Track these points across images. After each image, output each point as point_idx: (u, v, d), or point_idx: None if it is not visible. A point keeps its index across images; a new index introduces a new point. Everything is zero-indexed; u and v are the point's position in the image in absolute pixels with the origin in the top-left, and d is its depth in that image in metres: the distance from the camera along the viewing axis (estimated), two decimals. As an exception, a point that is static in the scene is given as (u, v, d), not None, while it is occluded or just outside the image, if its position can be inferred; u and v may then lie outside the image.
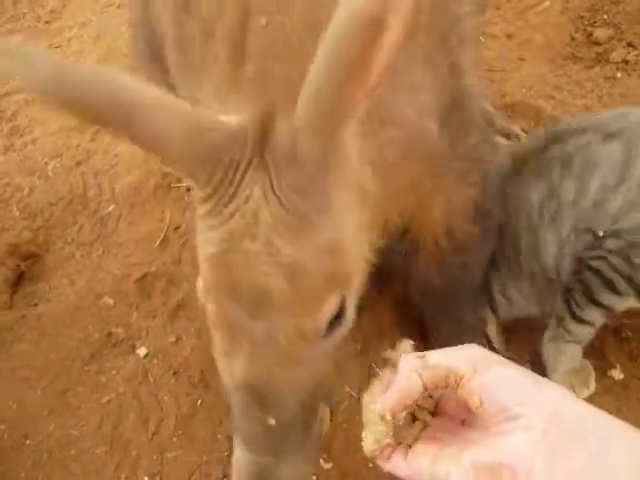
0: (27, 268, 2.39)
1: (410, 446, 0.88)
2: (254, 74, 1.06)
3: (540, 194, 1.62)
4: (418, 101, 1.24)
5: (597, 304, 1.55)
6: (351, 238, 1.03)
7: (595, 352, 1.79)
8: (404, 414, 0.88)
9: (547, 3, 2.84)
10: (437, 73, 1.27)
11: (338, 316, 1.02)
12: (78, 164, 2.68)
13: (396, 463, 0.88)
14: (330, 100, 0.82)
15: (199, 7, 1.22)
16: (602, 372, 1.78)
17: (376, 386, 0.94)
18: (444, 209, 1.51)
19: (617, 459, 0.70)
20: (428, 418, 0.90)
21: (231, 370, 1.00)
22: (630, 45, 2.60)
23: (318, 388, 1.08)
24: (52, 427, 1.96)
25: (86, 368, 2.07)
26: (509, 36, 2.76)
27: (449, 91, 1.32)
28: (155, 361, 2.04)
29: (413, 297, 1.86)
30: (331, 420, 1.83)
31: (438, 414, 0.92)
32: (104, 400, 1.99)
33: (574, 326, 1.62)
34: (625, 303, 1.56)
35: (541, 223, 1.61)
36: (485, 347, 0.87)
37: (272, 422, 1.00)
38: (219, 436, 1.87)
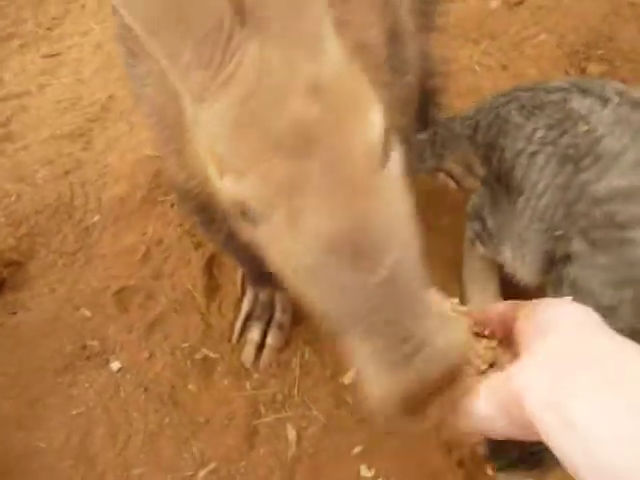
0: (9, 276, 2.39)
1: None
2: None
3: None
4: (364, 15, 1.24)
5: None
6: (355, 69, 0.97)
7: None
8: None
9: (543, 36, 2.85)
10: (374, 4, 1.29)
11: (386, 140, 0.93)
12: (67, 173, 2.68)
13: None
14: None
15: None
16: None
17: None
18: None
19: (635, 389, 0.63)
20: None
21: (309, 233, 0.85)
22: (623, 81, 2.60)
23: (407, 220, 0.91)
24: (19, 438, 1.95)
25: (58, 379, 2.07)
26: (504, 67, 2.77)
27: (388, 20, 1.34)
28: (128, 376, 2.04)
29: None
30: (297, 445, 1.83)
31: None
32: (74, 413, 1.99)
33: None
34: None
35: None
36: None
37: (384, 272, 0.81)
38: (185, 455, 1.86)
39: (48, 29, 3.44)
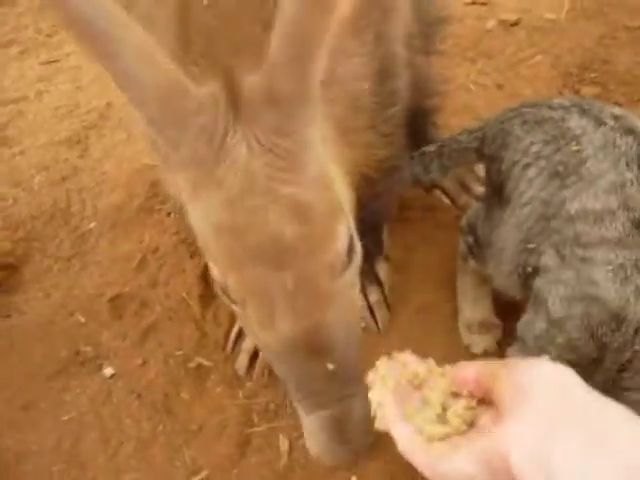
0: (4, 279, 2.39)
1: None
2: (203, 50, 1.11)
3: None
4: (351, 64, 1.31)
5: None
6: (331, 170, 1.08)
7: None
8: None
9: (539, 57, 2.90)
10: (364, 41, 1.35)
11: (350, 245, 1.06)
12: (64, 179, 2.69)
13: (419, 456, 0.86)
14: (305, 27, 0.88)
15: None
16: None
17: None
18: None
19: (620, 452, 0.67)
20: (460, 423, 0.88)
21: (275, 334, 1.01)
22: (617, 104, 2.64)
23: (355, 320, 1.11)
24: (11, 441, 1.95)
25: (51, 384, 2.07)
26: (499, 87, 2.81)
27: (377, 58, 1.41)
28: (120, 383, 2.05)
29: None
30: (289, 455, 1.84)
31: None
32: (65, 418, 1.99)
33: None
34: None
35: None
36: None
37: (331, 366, 1.02)
38: (177, 462, 1.86)
39: (47, 36, 3.47)
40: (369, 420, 0.94)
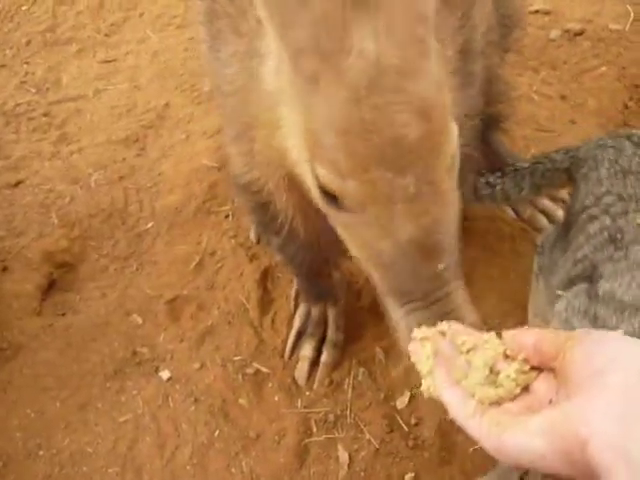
0: (59, 277, 2.39)
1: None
2: None
3: None
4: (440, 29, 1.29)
5: None
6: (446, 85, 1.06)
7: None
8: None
9: (603, 68, 2.83)
10: (452, 16, 1.36)
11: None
12: (121, 178, 2.68)
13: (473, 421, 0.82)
14: None
15: None
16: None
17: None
18: None
19: None
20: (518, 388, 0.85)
21: (393, 239, 0.99)
22: (686, 116, 2.58)
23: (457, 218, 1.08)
24: (67, 441, 1.94)
25: (107, 385, 2.06)
26: (563, 97, 2.75)
27: (462, 35, 1.41)
28: (177, 386, 2.03)
29: None
30: (348, 467, 1.80)
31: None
32: (122, 419, 1.98)
33: None
34: None
35: None
36: None
37: (441, 266, 1.01)
38: (233, 470, 1.84)
39: (106, 35, 3.46)
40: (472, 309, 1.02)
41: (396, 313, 1.06)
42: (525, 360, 0.85)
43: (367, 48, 0.91)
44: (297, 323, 2.11)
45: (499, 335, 0.90)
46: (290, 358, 2.05)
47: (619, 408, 0.67)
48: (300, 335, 2.10)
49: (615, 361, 0.72)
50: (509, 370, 0.84)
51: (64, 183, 2.70)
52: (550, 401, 0.81)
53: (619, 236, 1.47)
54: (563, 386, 0.78)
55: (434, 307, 1.02)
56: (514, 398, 0.83)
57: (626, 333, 1.29)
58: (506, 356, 0.87)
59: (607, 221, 1.51)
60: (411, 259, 1.00)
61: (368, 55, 0.91)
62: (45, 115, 3.04)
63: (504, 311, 2.02)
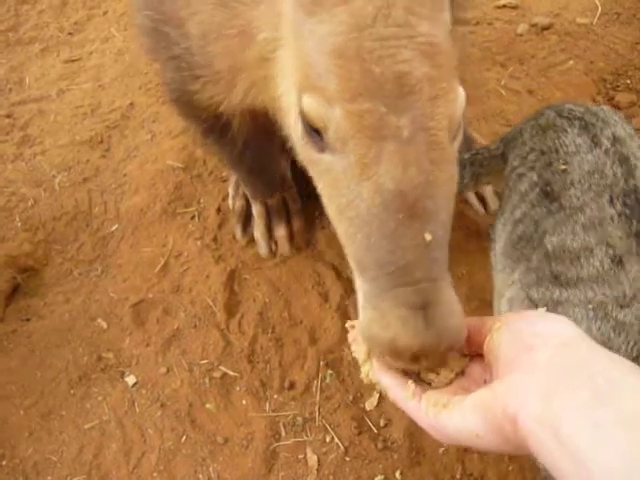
0: (23, 281, 2.34)
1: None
2: None
3: None
4: None
5: None
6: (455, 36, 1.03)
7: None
8: None
9: (571, 63, 2.83)
10: None
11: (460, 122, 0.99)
12: (86, 180, 2.64)
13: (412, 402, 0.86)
14: None
15: None
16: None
17: None
18: None
19: (626, 403, 0.64)
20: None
21: (376, 184, 0.88)
22: (654, 110, 2.58)
23: (453, 202, 0.96)
24: (30, 450, 1.90)
25: (72, 391, 2.01)
26: (530, 92, 2.74)
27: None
28: (143, 391, 1.99)
29: None
30: (317, 471, 1.78)
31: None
32: (87, 426, 1.94)
33: None
34: None
35: None
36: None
37: (428, 237, 0.87)
38: (200, 476, 1.81)
39: (69, 34, 3.41)
40: (458, 312, 0.87)
41: (369, 292, 0.91)
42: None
43: None
44: (260, 225, 2.26)
45: None
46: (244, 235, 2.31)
47: (543, 382, 0.70)
48: (270, 229, 2.27)
49: (540, 338, 0.76)
50: None
51: (27, 186, 2.64)
52: (485, 382, 0.86)
53: (549, 188, 1.49)
54: (494, 366, 0.82)
55: (417, 288, 0.86)
56: (450, 382, 0.88)
57: (591, 276, 1.31)
58: None
59: (534, 177, 1.53)
60: (393, 215, 0.87)
61: None
62: (8, 116, 2.98)
63: (472, 309, 2.00)
